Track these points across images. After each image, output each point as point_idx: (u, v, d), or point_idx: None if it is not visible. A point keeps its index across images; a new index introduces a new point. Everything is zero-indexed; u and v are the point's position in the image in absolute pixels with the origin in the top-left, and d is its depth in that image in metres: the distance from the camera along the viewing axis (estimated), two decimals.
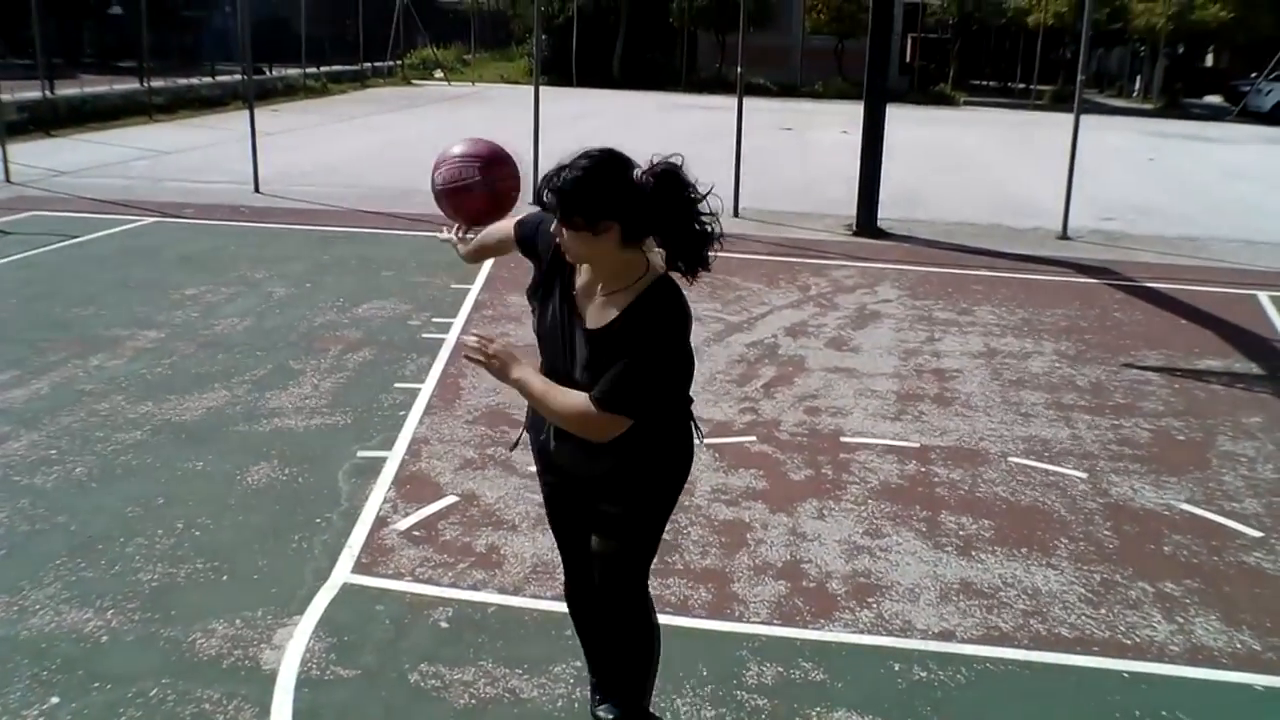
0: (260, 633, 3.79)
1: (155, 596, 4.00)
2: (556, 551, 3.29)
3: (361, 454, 5.37)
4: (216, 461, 5.22)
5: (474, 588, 4.15)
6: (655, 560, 3.09)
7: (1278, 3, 31.32)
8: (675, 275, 2.70)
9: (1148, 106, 33.25)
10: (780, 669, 3.69)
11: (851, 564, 4.45)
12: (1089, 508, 5.05)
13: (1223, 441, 5.95)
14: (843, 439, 5.83)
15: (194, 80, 24.50)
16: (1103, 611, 4.13)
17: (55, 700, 3.38)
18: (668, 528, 3.12)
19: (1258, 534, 4.83)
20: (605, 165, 2.58)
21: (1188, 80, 35.15)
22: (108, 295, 8.06)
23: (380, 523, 4.65)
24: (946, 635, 3.94)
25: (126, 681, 3.48)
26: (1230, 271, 10.38)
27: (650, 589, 3.12)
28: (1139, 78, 36.99)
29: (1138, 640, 3.94)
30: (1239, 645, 3.92)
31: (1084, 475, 5.42)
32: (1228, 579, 4.42)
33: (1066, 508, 5.05)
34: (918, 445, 5.77)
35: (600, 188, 2.55)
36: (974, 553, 4.58)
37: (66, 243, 9.80)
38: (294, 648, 3.71)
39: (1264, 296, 9.33)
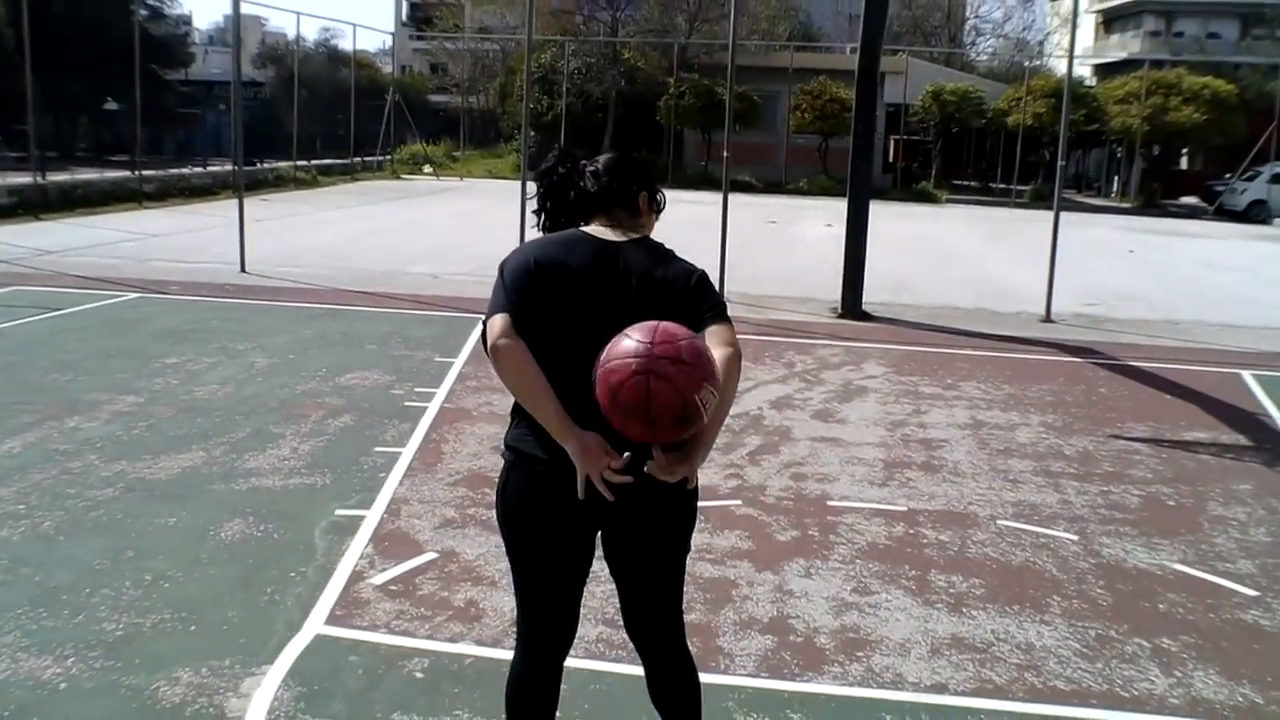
0: (227, 681, 3.64)
1: (118, 645, 3.85)
2: None
3: (340, 512, 5.25)
4: (189, 518, 5.09)
5: (451, 639, 4.02)
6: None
7: (1249, 105, 32.18)
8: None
9: (1126, 205, 33.84)
10: (767, 719, 3.56)
11: (840, 619, 4.33)
12: (1081, 567, 4.96)
13: (1213, 507, 5.88)
14: (829, 503, 5.73)
15: (185, 170, 24.75)
16: (1099, 665, 4.01)
17: None
18: None
19: (1253, 593, 4.73)
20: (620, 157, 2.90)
21: (1164, 181, 35.83)
22: (87, 363, 7.98)
23: (356, 577, 4.53)
24: (939, 688, 3.82)
25: None
26: (1213, 352, 10.42)
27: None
28: (1116, 179, 37.72)
29: (1136, 693, 3.83)
30: (1240, 698, 3.81)
31: (1075, 537, 5.33)
32: (1225, 635, 4.31)
33: (1058, 567, 4.95)
34: (905, 509, 5.68)
35: (636, 163, 2.88)
36: (965, 609, 4.46)
37: (48, 315, 9.75)
38: (261, 696, 3.56)
39: (1248, 375, 9.35)
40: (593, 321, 2.56)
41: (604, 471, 2.50)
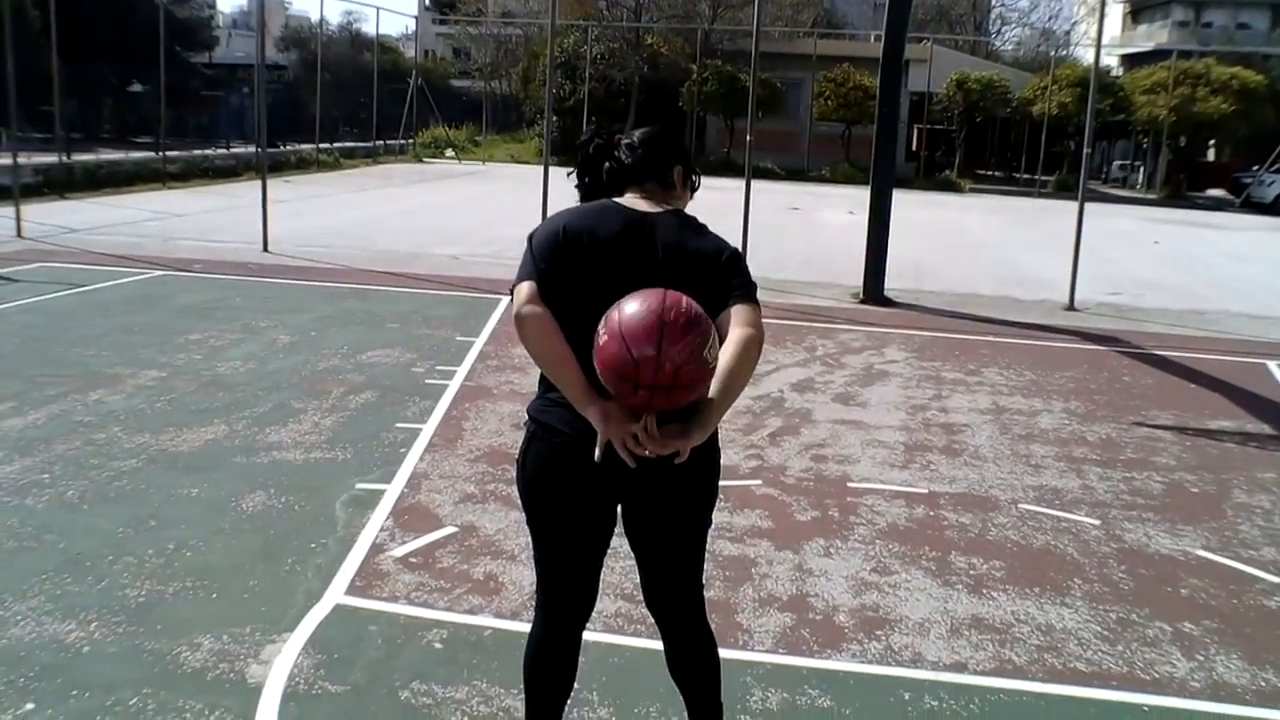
0: (247, 648, 3.67)
1: (141, 611, 3.88)
2: None
3: (360, 486, 5.27)
4: (211, 489, 5.12)
5: (470, 612, 4.03)
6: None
7: (1278, 96, 31.81)
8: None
9: (1151, 196, 33.56)
10: (786, 695, 3.55)
11: (859, 599, 4.32)
12: (1103, 552, 4.92)
13: (1238, 494, 5.83)
14: (849, 484, 5.72)
15: (209, 151, 24.84)
16: (1120, 648, 3.99)
17: (30, 706, 3.25)
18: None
19: (1278, 579, 4.69)
20: (656, 130, 2.90)
21: (1190, 173, 35.50)
22: (110, 338, 8.03)
23: (376, 549, 4.54)
24: (958, 667, 3.80)
25: (105, 690, 3.35)
26: (1238, 342, 10.33)
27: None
28: (1142, 169, 37.41)
29: (1157, 676, 3.80)
30: (1263, 683, 3.78)
31: (1097, 522, 5.30)
32: (1248, 621, 4.28)
33: (1079, 551, 4.92)
34: (926, 491, 5.65)
35: (672, 138, 2.88)
36: (985, 591, 4.44)
37: (72, 291, 9.81)
38: (281, 663, 3.58)
39: (1273, 365, 9.26)
40: (620, 291, 2.52)
41: (626, 438, 2.49)
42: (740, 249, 2.78)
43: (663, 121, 2.83)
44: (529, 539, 2.83)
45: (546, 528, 2.76)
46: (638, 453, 2.47)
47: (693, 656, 2.90)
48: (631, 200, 2.75)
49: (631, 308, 2.41)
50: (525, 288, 2.58)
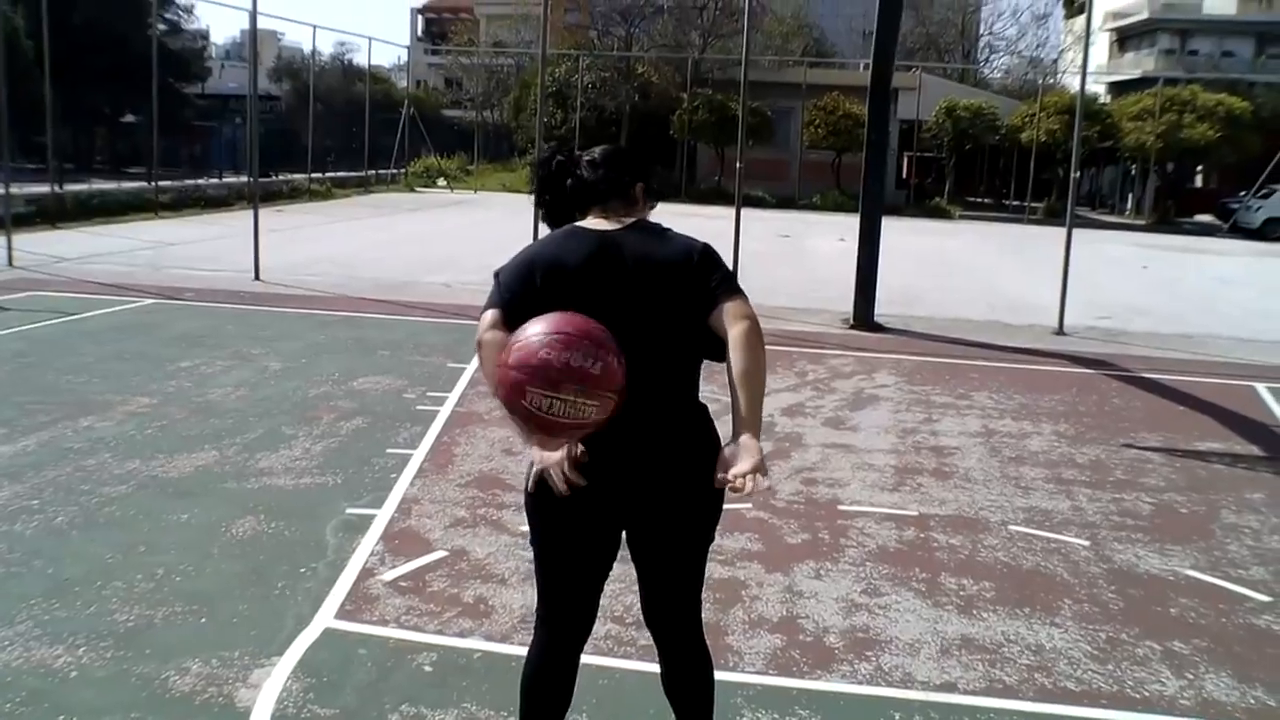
0: (236, 672, 3.66)
1: (130, 636, 3.87)
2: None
3: (351, 511, 5.26)
4: (201, 514, 5.11)
5: (461, 635, 4.02)
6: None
7: (1263, 122, 32.09)
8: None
9: (1140, 222, 33.77)
10: (776, 715, 3.55)
11: (849, 620, 4.32)
12: (1092, 572, 4.94)
13: (1226, 515, 5.85)
14: (840, 507, 5.73)
15: (201, 181, 24.91)
16: (1109, 667, 4.00)
17: None
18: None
19: (1267, 599, 4.70)
20: (615, 148, 2.90)
21: (1179, 199, 35.74)
22: (101, 365, 8.03)
23: (366, 573, 4.54)
24: (948, 687, 3.81)
25: (93, 715, 3.35)
26: (1227, 365, 10.38)
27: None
28: (1130, 196, 37.65)
29: (1147, 694, 3.81)
30: (1253, 700, 3.79)
31: (1086, 543, 5.32)
32: (1238, 639, 4.29)
33: (1069, 572, 4.93)
34: (916, 514, 5.67)
35: (632, 155, 2.89)
36: (975, 611, 4.45)
37: (64, 319, 9.82)
38: (270, 687, 3.57)
39: (1261, 387, 9.31)
40: (598, 313, 2.53)
41: (562, 467, 2.52)
42: (709, 243, 2.74)
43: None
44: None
45: (550, 546, 2.77)
46: (573, 480, 2.51)
47: (689, 673, 2.90)
48: (595, 221, 2.76)
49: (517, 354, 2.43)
50: (486, 315, 2.63)
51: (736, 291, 2.66)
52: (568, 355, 2.38)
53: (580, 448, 2.54)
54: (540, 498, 2.68)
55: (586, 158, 2.85)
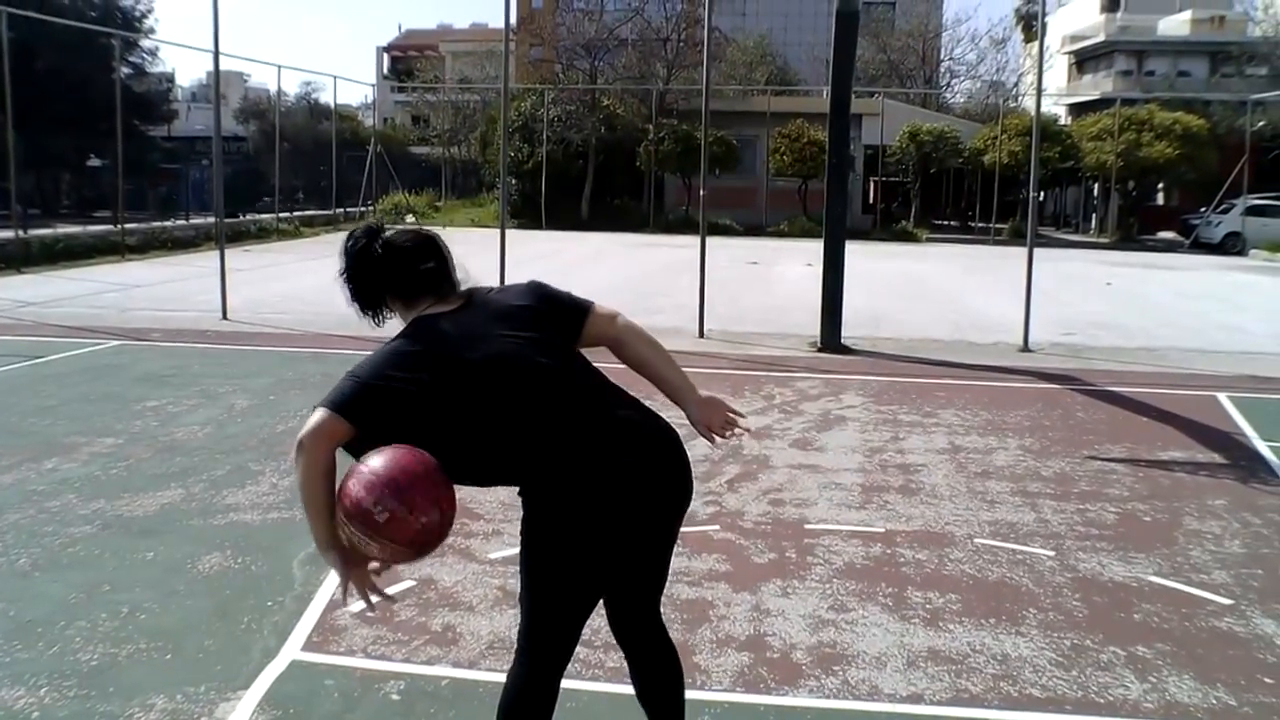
0: (202, 707, 3.64)
1: (93, 675, 3.84)
2: (514, 630, 2.96)
3: None
4: (167, 552, 5.08)
5: (428, 662, 4.01)
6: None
7: (1220, 139, 32.61)
8: None
9: (1104, 240, 34.18)
10: None
11: (816, 636, 4.34)
12: (1057, 582, 4.98)
13: (1189, 521, 5.92)
14: (807, 526, 5.76)
15: (168, 223, 24.81)
16: (1074, 674, 4.03)
17: None
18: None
19: (1228, 601, 4.76)
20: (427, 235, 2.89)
21: (1141, 216, 36.21)
22: (66, 408, 7.97)
23: (334, 605, 4.51)
24: (915, 698, 3.83)
25: None
26: (1189, 376, 10.51)
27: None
28: (1094, 215, 38.11)
29: (1111, 699, 3.84)
30: (1214, 701, 3.83)
31: (1051, 553, 5.37)
32: (1200, 642, 4.34)
33: (1034, 582, 4.98)
34: (883, 530, 5.70)
35: (438, 242, 2.89)
36: (941, 624, 4.48)
37: (27, 363, 9.75)
38: None
39: (1223, 397, 9.43)
40: (516, 386, 2.61)
41: (366, 586, 2.65)
42: (533, 278, 2.90)
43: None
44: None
45: (576, 590, 2.75)
46: (375, 597, 2.70)
47: (665, 672, 2.96)
48: (436, 309, 2.76)
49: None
50: (331, 424, 2.59)
51: (587, 304, 2.84)
52: (362, 495, 2.46)
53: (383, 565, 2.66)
54: (579, 541, 2.66)
55: (401, 240, 2.81)
